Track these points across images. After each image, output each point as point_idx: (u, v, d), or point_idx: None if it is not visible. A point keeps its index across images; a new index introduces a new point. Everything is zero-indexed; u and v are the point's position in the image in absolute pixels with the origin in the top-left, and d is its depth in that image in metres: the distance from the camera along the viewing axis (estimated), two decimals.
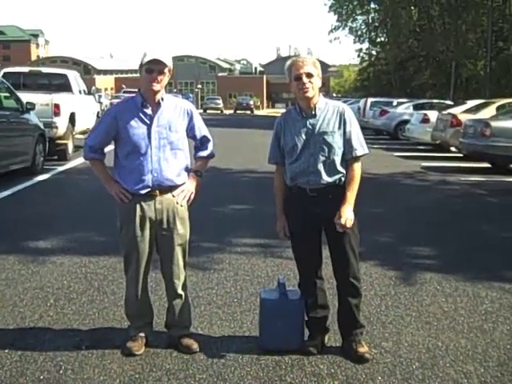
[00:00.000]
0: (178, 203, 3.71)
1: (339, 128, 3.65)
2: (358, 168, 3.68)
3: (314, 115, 3.66)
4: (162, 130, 3.65)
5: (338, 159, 3.65)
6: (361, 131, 3.75)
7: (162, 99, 3.67)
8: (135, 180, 3.65)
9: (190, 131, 3.79)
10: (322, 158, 3.64)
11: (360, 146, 3.68)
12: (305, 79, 3.58)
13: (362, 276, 3.87)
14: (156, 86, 3.58)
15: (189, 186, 3.77)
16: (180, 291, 3.81)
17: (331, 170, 3.64)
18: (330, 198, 3.63)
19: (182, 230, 3.75)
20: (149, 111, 3.65)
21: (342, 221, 3.55)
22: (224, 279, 5.23)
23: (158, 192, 3.67)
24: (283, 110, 4.54)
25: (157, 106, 3.66)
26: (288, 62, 3.70)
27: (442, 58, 40.10)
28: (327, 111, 3.67)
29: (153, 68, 3.56)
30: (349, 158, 3.67)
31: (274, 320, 3.75)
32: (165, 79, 3.62)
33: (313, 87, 3.61)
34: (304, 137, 3.65)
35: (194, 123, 3.79)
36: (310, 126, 3.65)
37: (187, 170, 3.80)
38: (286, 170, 3.75)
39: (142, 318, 3.85)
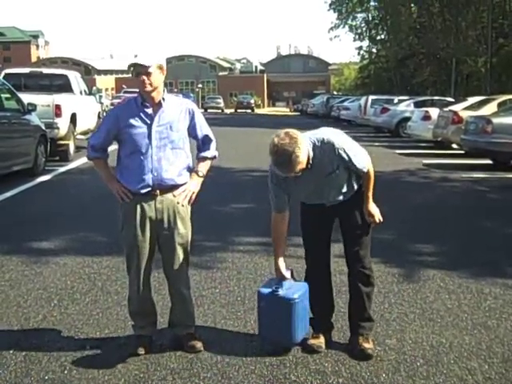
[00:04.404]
0: (178, 203, 3.71)
1: (338, 167, 3.59)
2: (368, 168, 3.73)
3: (311, 166, 3.54)
4: (162, 130, 3.65)
5: (347, 183, 3.71)
6: (353, 145, 3.66)
7: (163, 99, 3.67)
8: (136, 179, 3.66)
9: (192, 130, 3.78)
10: (334, 192, 3.71)
11: (363, 163, 3.65)
12: (292, 175, 3.49)
13: None
14: (147, 88, 3.58)
15: (190, 186, 3.76)
16: (182, 290, 3.82)
17: (345, 192, 3.74)
18: (345, 201, 3.76)
19: (183, 229, 3.75)
20: (149, 111, 3.66)
21: (376, 219, 3.77)
22: (227, 278, 5.24)
23: (158, 192, 3.67)
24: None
25: (158, 105, 3.66)
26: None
27: (443, 55, 40.02)
28: (320, 156, 3.54)
29: (138, 71, 3.57)
30: (359, 174, 3.73)
31: (266, 313, 3.70)
32: (155, 78, 3.58)
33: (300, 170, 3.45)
34: (310, 187, 3.67)
35: (195, 122, 3.77)
36: (312, 175, 3.58)
37: (189, 169, 3.79)
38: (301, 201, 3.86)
39: (145, 318, 3.85)
